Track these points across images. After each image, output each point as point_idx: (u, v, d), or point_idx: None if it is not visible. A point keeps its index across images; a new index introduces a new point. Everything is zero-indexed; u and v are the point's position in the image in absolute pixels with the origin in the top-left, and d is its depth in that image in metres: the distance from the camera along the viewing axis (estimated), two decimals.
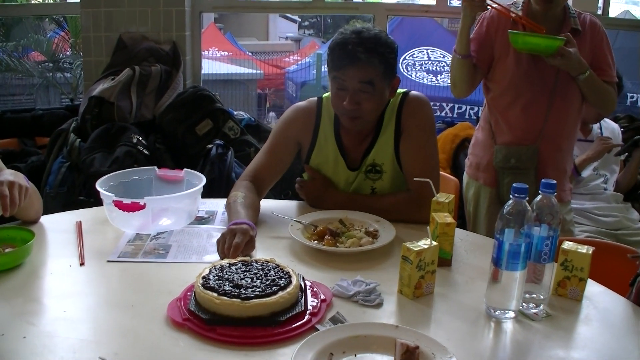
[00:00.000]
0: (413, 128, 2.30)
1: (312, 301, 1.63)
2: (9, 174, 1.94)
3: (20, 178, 1.95)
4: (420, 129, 2.30)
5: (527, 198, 1.54)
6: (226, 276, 1.64)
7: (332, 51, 2.20)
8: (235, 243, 1.88)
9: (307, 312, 1.58)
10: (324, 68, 11.88)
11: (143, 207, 2.04)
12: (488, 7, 2.72)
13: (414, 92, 2.38)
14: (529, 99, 2.75)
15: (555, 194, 1.62)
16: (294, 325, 1.52)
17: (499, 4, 2.76)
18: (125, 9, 4.26)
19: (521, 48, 2.61)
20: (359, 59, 2.12)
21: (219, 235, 1.97)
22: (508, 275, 1.56)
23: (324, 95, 2.44)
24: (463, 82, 2.81)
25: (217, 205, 2.40)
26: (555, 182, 1.61)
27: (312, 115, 2.42)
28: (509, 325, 1.58)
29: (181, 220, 2.18)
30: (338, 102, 2.22)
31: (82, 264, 1.88)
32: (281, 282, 1.62)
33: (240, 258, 1.79)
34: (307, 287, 1.69)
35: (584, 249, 1.70)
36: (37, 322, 1.55)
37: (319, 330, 1.47)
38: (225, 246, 1.89)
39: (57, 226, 2.18)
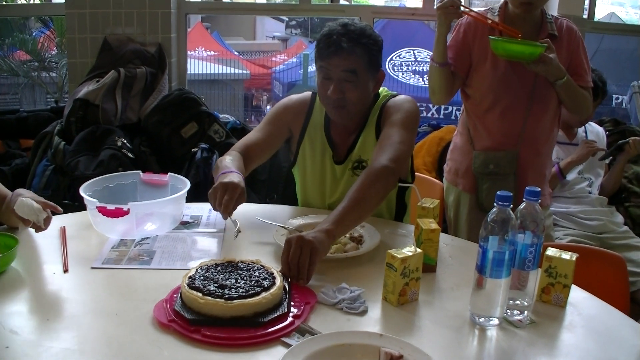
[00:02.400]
0: (392, 115, 2.32)
1: (296, 303, 1.64)
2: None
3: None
4: (397, 115, 2.31)
5: (511, 206, 1.54)
6: (211, 276, 1.67)
7: (319, 42, 2.28)
8: (226, 200, 1.97)
9: (291, 314, 1.59)
10: (311, 68, 11.89)
11: (127, 212, 2.02)
12: (463, 14, 2.72)
13: (402, 95, 2.43)
14: (507, 104, 2.76)
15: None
16: (277, 327, 1.52)
17: (474, 11, 2.76)
18: (110, 10, 4.23)
19: (502, 54, 2.60)
20: (342, 48, 2.20)
21: (204, 240, 1.97)
22: (492, 282, 1.56)
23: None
24: (442, 90, 2.81)
25: (202, 209, 2.40)
26: (539, 189, 1.61)
27: (305, 106, 2.50)
28: (493, 333, 1.58)
29: (166, 225, 2.17)
30: (323, 92, 2.29)
31: (65, 270, 1.87)
32: (265, 283, 1.64)
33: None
34: (291, 289, 1.70)
35: (567, 256, 1.70)
36: (20, 330, 1.54)
37: (287, 343, 1.46)
38: (217, 203, 1.99)
39: (41, 231, 2.16)
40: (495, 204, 1.54)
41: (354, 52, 2.21)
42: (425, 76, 9.13)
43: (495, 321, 1.59)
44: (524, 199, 1.61)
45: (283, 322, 1.55)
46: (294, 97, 2.55)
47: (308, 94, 2.54)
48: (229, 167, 2.16)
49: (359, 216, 2.01)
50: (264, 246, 2.06)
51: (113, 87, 3.88)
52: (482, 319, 1.60)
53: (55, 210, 2.06)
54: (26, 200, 1.94)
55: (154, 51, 4.20)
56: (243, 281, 1.65)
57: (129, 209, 2.02)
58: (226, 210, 1.97)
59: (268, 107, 13.24)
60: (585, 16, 4.57)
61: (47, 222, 2.01)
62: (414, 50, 9.66)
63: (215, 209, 2.04)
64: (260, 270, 1.71)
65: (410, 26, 9.37)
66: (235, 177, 2.08)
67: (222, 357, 1.44)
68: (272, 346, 1.46)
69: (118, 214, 2.03)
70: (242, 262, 1.76)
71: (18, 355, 1.42)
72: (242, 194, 2.04)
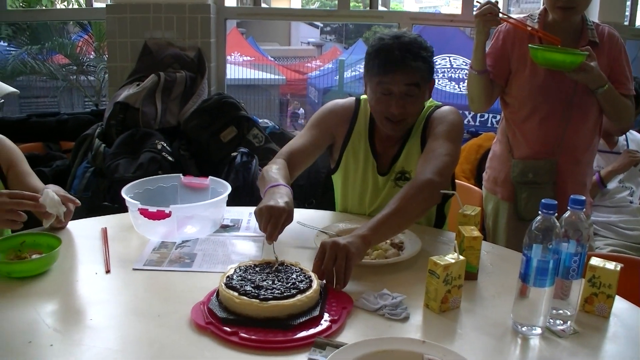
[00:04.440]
0: (437, 127, 2.30)
1: (333, 308, 1.65)
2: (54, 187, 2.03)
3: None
4: (442, 126, 2.30)
5: (556, 214, 1.52)
6: (249, 277, 1.69)
7: (377, 56, 2.24)
8: (270, 228, 1.93)
9: (324, 318, 1.60)
10: (347, 74, 11.92)
11: (169, 215, 2.04)
12: (502, 21, 2.69)
13: (447, 106, 2.41)
14: (546, 112, 2.72)
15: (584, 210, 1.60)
16: (311, 331, 1.53)
17: (513, 18, 2.74)
18: (150, 15, 4.29)
19: (542, 63, 2.56)
20: (406, 64, 2.18)
21: (244, 244, 2.00)
22: (536, 291, 1.55)
23: (362, 97, 2.49)
24: (481, 98, 2.79)
25: (242, 213, 2.41)
26: (584, 198, 1.59)
27: (350, 113, 2.47)
28: (535, 342, 1.57)
29: (206, 228, 2.19)
30: (381, 107, 2.26)
31: (107, 271, 1.89)
32: (301, 285, 1.65)
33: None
34: (328, 295, 1.71)
35: (612, 266, 1.68)
36: (64, 330, 1.56)
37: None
38: (262, 227, 1.96)
39: (83, 232, 2.20)
40: (539, 212, 1.52)
41: (417, 66, 2.20)
42: (461, 83, 9.09)
43: (538, 330, 1.58)
44: (568, 208, 1.59)
45: (316, 326, 1.56)
46: (340, 102, 2.53)
47: (352, 99, 2.51)
48: (276, 180, 2.13)
49: (398, 226, 2.00)
50: (304, 250, 2.07)
51: (153, 91, 3.93)
52: (524, 328, 1.58)
53: (74, 204, 2.10)
54: (50, 192, 1.97)
55: (193, 55, 4.25)
56: (280, 283, 1.67)
57: (170, 212, 2.04)
58: (270, 238, 1.94)
59: (301, 110, 13.30)
60: (626, 23, 4.52)
61: (67, 216, 2.06)
62: (450, 56, 9.64)
63: (261, 231, 2.01)
64: (298, 273, 1.73)
65: (447, 32, 9.34)
66: (281, 199, 2.01)
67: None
68: (308, 351, 1.47)
69: (160, 216, 2.04)
70: (282, 264, 1.78)
71: (62, 354, 1.45)
72: (287, 218, 1.99)
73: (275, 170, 2.21)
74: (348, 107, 2.49)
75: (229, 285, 1.64)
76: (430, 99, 2.42)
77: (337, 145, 2.47)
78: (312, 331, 1.53)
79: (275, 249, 1.92)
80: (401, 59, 2.18)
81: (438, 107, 2.40)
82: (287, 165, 2.29)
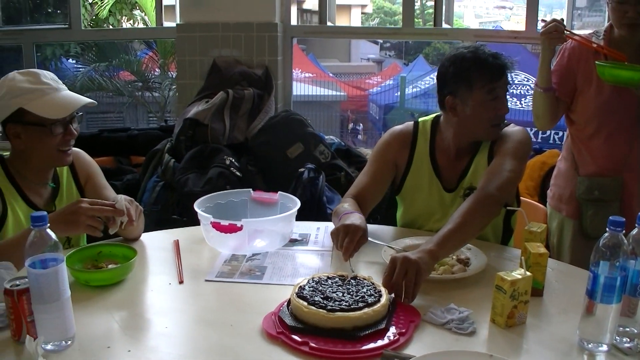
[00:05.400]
0: (505, 144, 2.34)
1: (401, 322, 1.68)
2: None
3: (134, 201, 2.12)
4: (510, 144, 2.33)
5: (623, 231, 1.53)
6: (320, 288, 1.74)
7: (479, 68, 2.30)
8: (347, 243, 2.02)
9: (391, 330, 1.63)
10: (408, 90, 11.89)
11: (240, 228, 2.10)
12: (567, 38, 2.69)
13: (515, 125, 2.45)
14: (613, 129, 2.70)
15: None
16: (379, 344, 1.56)
17: (578, 35, 2.73)
18: (219, 33, 4.38)
19: (609, 80, 2.54)
20: (506, 66, 2.33)
21: (312, 258, 2.10)
22: (603, 308, 1.55)
23: (419, 120, 2.53)
24: (546, 115, 2.78)
25: (310, 228, 2.46)
26: None
27: (409, 138, 2.50)
28: (602, 359, 1.57)
29: (275, 242, 2.24)
30: (490, 115, 2.33)
31: (181, 282, 1.96)
32: (370, 299, 1.68)
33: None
34: (396, 308, 1.74)
35: None
36: (141, 336, 1.64)
37: None
38: (339, 244, 2.05)
39: (156, 244, 2.28)
40: (607, 229, 1.53)
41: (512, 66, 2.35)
42: (522, 99, 8.99)
43: (605, 347, 1.58)
44: (637, 225, 1.59)
45: (383, 338, 1.59)
46: (397, 129, 2.56)
47: (410, 124, 2.55)
48: (349, 210, 2.22)
49: (462, 240, 2.04)
50: (372, 265, 2.10)
51: (222, 108, 4.00)
52: (591, 345, 1.58)
53: (137, 211, 2.14)
54: (122, 200, 2.05)
55: (260, 73, 4.31)
56: (349, 295, 1.71)
57: (242, 225, 2.10)
58: (347, 252, 2.01)
59: (360, 125, 13.31)
60: None
61: (139, 219, 2.17)
62: (510, 72, 9.55)
63: (338, 249, 2.10)
64: (369, 287, 1.76)
65: (508, 49, 9.23)
66: (357, 220, 2.12)
67: None
68: None
69: (231, 229, 2.10)
70: (353, 278, 1.82)
71: (140, 359, 1.51)
72: (363, 235, 2.07)
73: (347, 206, 2.29)
74: (406, 133, 2.52)
75: (299, 295, 1.69)
76: None
77: (400, 171, 2.50)
78: (379, 343, 1.57)
79: (351, 265, 1.98)
80: (504, 64, 2.32)
81: (506, 124, 2.42)
82: (356, 204, 2.34)
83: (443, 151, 2.46)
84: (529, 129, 7.49)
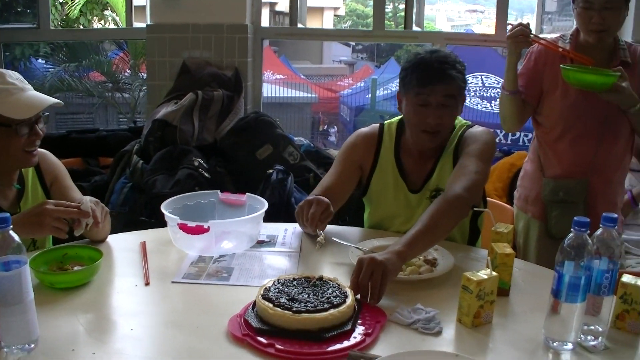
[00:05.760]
0: (470, 145, 2.35)
1: (367, 322, 1.68)
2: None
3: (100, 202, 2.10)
4: (475, 145, 2.34)
5: (588, 231, 1.55)
6: (286, 289, 1.74)
7: (415, 70, 2.31)
8: (311, 213, 2.06)
9: (356, 331, 1.63)
10: (379, 92, 11.93)
11: (207, 230, 2.09)
12: (534, 42, 2.71)
13: (480, 126, 2.46)
14: (578, 132, 2.73)
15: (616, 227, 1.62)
16: (347, 344, 1.57)
17: (544, 39, 2.76)
18: (189, 34, 4.37)
19: (574, 84, 2.57)
20: (445, 75, 2.27)
21: (280, 259, 2.11)
22: (568, 307, 1.56)
23: (385, 122, 2.55)
24: (513, 118, 2.81)
25: (278, 229, 2.44)
26: (616, 215, 1.61)
27: (374, 139, 2.52)
28: (567, 357, 1.58)
29: (243, 244, 2.23)
30: (419, 119, 2.32)
31: (147, 283, 1.94)
32: (335, 300, 1.68)
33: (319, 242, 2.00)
34: (362, 309, 1.75)
35: None
36: (106, 339, 1.62)
37: None
38: (304, 218, 2.09)
39: (123, 245, 2.26)
40: (572, 229, 1.55)
41: (456, 78, 2.28)
42: (493, 102, 9.07)
43: (570, 346, 1.59)
44: (600, 225, 1.61)
45: (349, 339, 1.59)
46: (363, 131, 2.57)
47: (376, 126, 2.56)
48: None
49: (430, 241, 2.05)
50: (340, 266, 2.09)
51: (191, 109, 3.99)
52: (556, 343, 1.60)
53: (103, 211, 2.13)
54: (87, 202, 2.04)
55: (230, 74, 4.31)
56: (315, 297, 1.70)
57: (209, 227, 2.09)
58: (313, 222, 2.03)
59: (334, 128, 13.33)
60: None
61: (105, 220, 2.16)
62: (481, 75, 9.61)
63: (303, 227, 2.10)
64: (335, 288, 1.76)
65: (478, 52, 9.31)
66: (321, 198, 2.16)
67: None
68: None
69: (198, 231, 2.09)
70: (319, 279, 1.81)
71: None
72: (328, 207, 2.11)
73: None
74: (372, 134, 2.54)
75: (265, 297, 1.69)
76: (461, 119, 2.47)
77: (365, 172, 2.52)
78: (345, 344, 1.57)
79: (321, 236, 2.05)
80: (440, 70, 2.26)
81: (470, 126, 2.45)
82: None
83: (408, 153, 2.47)
84: (498, 130, 7.59)
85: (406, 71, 2.34)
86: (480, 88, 9.53)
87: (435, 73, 2.26)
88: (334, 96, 13.70)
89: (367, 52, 21.14)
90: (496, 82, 9.05)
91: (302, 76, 14.27)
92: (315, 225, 2.06)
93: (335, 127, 13.50)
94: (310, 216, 2.08)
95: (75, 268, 1.96)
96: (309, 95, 13.00)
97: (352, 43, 19.65)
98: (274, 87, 12.02)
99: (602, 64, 2.63)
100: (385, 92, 11.95)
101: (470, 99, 9.35)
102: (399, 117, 2.52)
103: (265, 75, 11.92)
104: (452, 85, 2.28)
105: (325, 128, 13.68)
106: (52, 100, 2.18)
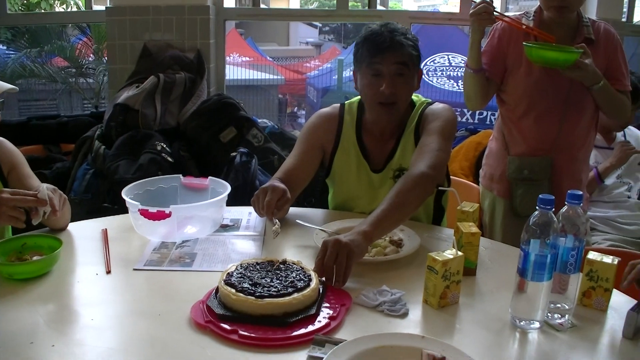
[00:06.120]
0: (431, 123, 2.33)
1: (332, 306, 1.66)
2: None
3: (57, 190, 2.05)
4: (436, 122, 2.33)
5: (553, 209, 1.54)
6: (249, 274, 1.71)
7: (365, 42, 2.31)
8: (266, 201, 2.04)
9: (323, 315, 1.61)
10: (346, 73, 11.91)
11: (169, 215, 2.05)
12: (497, 20, 2.70)
13: (440, 103, 2.43)
14: (542, 110, 2.73)
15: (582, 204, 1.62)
16: (311, 329, 1.55)
17: (508, 17, 2.74)
18: (150, 17, 4.31)
19: (537, 61, 2.57)
20: (396, 42, 2.26)
21: (244, 243, 2.08)
22: (534, 285, 1.56)
23: (346, 102, 2.52)
24: (477, 96, 2.80)
25: (242, 213, 2.42)
26: (581, 193, 1.61)
27: (335, 120, 2.49)
28: (534, 336, 1.58)
29: (206, 228, 2.20)
30: (373, 91, 2.30)
31: (108, 272, 1.90)
32: (299, 284, 1.66)
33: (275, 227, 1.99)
34: (327, 292, 1.73)
35: (609, 260, 1.70)
36: (66, 330, 1.58)
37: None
38: (260, 206, 2.07)
39: (84, 233, 2.21)
40: (537, 207, 1.54)
41: (407, 45, 2.26)
42: (460, 81, 9.09)
43: (537, 324, 1.59)
44: (566, 202, 1.60)
45: (314, 323, 1.58)
46: (323, 111, 2.55)
47: (337, 106, 2.54)
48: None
49: (397, 220, 2.03)
50: (305, 249, 2.08)
51: (152, 93, 3.94)
52: (523, 322, 1.60)
53: (61, 199, 2.07)
54: (44, 189, 1.98)
55: (192, 57, 4.26)
56: (278, 281, 1.68)
57: (170, 212, 2.05)
58: (269, 210, 2.01)
59: (302, 111, 13.30)
60: (624, 19, 4.53)
61: (64, 207, 2.11)
62: (448, 55, 9.64)
63: (260, 214, 2.08)
64: (298, 272, 1.74)
65: (445, 31, 9.34)
66: (276, 182, 2.13)
67: (261, 357, 1.47)
68: (307, 348, 1.48)
69: (160, 216, 2.05)
70: (282, 262, 1.79)
71: (64, 354, 1.46)
72: (284, 194, 2.08)
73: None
74: (332, 115, 2.51)
75: (227, 282, 1.66)
76: (420, 96, 2.47)
77: (327, 153, 2.49)
78: (310, 328, 1.55)
79: (276, 223, 2.02)
80: (390, 39, 2.25)
81: (430, 103, 2.43)
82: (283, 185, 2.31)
83: (369, 132, 2.45)
84: (465, 110, 7.58)
85: (358, 45, 2.34)
86: (447, 68, 9.55)
87: (385, 40, 2.25)
88: (301, 78, 13.65)
89: (334, 34, 21.07)
90: (462, 61, 9.07)
91: (269, 58, 14.19)
92: (272, 213, 2.02)
93: (304, 111, 13.46)
94: (266, 204, 2.05)
95: (35, 258, 1.92)
96: (276, 77, 12.94)
97: (319, 24, 19.58)
98: (240, 69, 11.95)
99: (565, 41, 2.63)
100: (352, 73, 11.92)
101: (437, 79, 9.38)
102: (359, 97, 2.49)
103: (231, 57, 11.88)
104: (403, 52, 2.26)
105: (294, 110, 13.64)
106: (7, 85, 2.12)
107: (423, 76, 2.43)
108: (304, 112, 13.32)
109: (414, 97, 2.45)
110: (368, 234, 1.87)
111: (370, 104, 2.36)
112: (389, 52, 2.25)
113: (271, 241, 2.11)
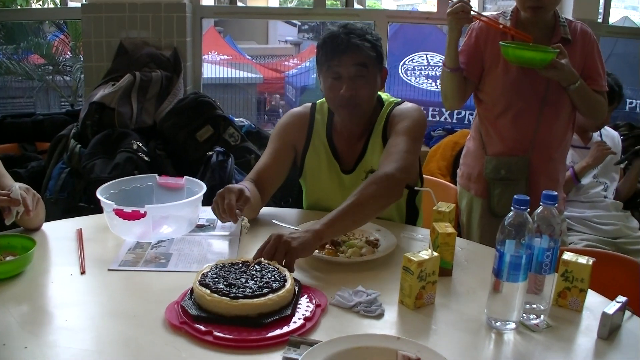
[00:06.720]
0: (398, 123, 2.32)
1: (307, 306, 1.66)
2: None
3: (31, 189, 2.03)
4: (404, 123, 2.31)
5: (528, 210, 1.54)
6: (224, 275, 1.70)
7: (324, 45, 2.30)
8: (227, 204, 2.00)
9: (296, 316, 1.61)
10: None
11: (144, 215, 2.04)
12: (474, 19, 2.70)
13: (409, 103, 2.43)
14: (519, 109, 2.74)
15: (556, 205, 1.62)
16: (284, 330, 1.54)
17: (485, 16, 2.75)
18: (126, 14, 4.27)
19: (513, 61, 2.58)
20: (352, 44, 2.24)
21: (220, 243, 2.09)
22: (509, 286, 1.56)
23: (317, 101, 2.51)
24: (454, 95, 2.80)
25: None
26: (556, 193, 1.61)
27: (306, 119, 2.49)
28: (510, 336, 1.58)
29: (182, 228, 2.18)
30: (334, 94, 2.29)
31: (83, 272, 1.88)
32: (274, 285, 1.65)
33: (244, 223, 2.01)
34: (302, 293, 1.73)
35: (584, 260, 1.70)
36: (39, 331, 1.56)
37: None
38: (220, 212, 2.03)
39: (58, 233, 2.19)
40: (512, 208, 1.54)
41: (363, 46, 2.24)
42: (438, 81, 9.11)
43: (512, 325, 1.59)
44: (540, 203, 1.61)
45: (289, 324, 1.57)
46: (295, 110, 2.55)
47: (308, 105, 2.53)
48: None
49: (354, 221, 2.03)
50: None
51: (129, 91, 3.91)
52: (498, 323, 1.60)
53: (34, 198, 2.06)
54: (17, 188, 1.97)
55: (169, 55, 4.23)
56: (253, 282, 1.67)
57: (145, 212, 2.03)
58: (232, 212, 1.99)
59: (281, 110, 13.28)
60: (600, 20, 4.56)
61: (38, 207, 2.09)
62: (426, 54, 9.63)
63: (222, 219, 2.08)
64: (273, 272, 1.72)
65: (423, 30, 9.33)
66: (232, 185, 2.11)
67: (236, 358, 1.46)
68: (282, 349, 1.47)
69: (135, 216, 2.04)
70: (258, 263, 1.78)
71: (37, 356, 1.44)
72: (242, 193, 2.06)
73: None
74: (304, 114, 2.51)
75: (202, 283, 1.65)
76: (389, 96, 2.46)
77: (299, 152, 2.48)
78: (285, 329, 1.54)
79: (244, 224, 2.02)
80: (346, 41, 2.24)
81: (399, 103, 2.42)
82: (256, 186, 2.30)
83: (339, 133, 2.45)
84: (443, 109, 7.60)
85: (318, 48, 2.34)
86: (425, 67, 9.56)
87: (341, 43, 2.24)
88: (280, 76, 13.62)
89: (313, 32, 21.03)
90: (441, 61, 9.08)
91: (248, 56, 14.14)
92: (235, 214, 2.00)
93: (282, 110, 13.43)
94: (227, 207, 2.01)
95: (8, 258, 1.89)
96: (254, 75, 12.90)
97: (298, 23, 19.56)
98: (218, 67, 11.89)
99: (542, 40, 2.64)
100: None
101: (415, 78, 9.38)
102: None
103: (209, 55, 11.82)
104: (360, 54, 2.24)
105: (273, 109, 13.60)
106: None
107: (401, 75, 2.43)
108: (282, 111, 13.30)
109: (384, 96, 2.44)
110: (319, 233, 1.88)
111: (334, 107, 2.36)
112: (347, 55, 2.24)
113: (247, 241, 2.10)
